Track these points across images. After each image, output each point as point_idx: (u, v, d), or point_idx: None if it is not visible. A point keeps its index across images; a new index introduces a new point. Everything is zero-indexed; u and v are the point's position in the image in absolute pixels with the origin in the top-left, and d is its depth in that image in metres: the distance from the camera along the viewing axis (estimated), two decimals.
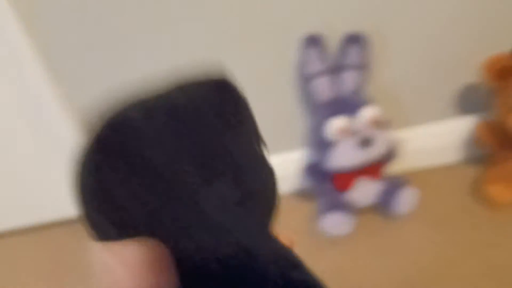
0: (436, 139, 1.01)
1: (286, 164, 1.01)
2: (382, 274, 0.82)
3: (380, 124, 0.85)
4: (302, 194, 1.05)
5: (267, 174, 0.27)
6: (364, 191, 0.93)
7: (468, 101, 0.98)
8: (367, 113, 0.84)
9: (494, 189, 0.89)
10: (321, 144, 0.87)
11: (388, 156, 0.93)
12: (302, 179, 0.95)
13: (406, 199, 0.91)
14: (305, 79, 0.85)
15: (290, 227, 0.97)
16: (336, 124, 0.83)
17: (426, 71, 0.94)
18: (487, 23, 0.88)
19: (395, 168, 1.01)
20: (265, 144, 0.28)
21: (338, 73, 0.85)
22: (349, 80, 0.86)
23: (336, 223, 0.90)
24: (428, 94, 0.97)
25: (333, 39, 0.84)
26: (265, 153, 0.28)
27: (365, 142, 0.83)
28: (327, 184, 0.93)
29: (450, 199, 0.95)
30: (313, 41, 0.82)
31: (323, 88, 0.85)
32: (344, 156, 0.84)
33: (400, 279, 0.81)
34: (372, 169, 0.91)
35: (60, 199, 1.12)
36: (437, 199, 0.96)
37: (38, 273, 1.05)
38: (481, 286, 0.76)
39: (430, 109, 0.99)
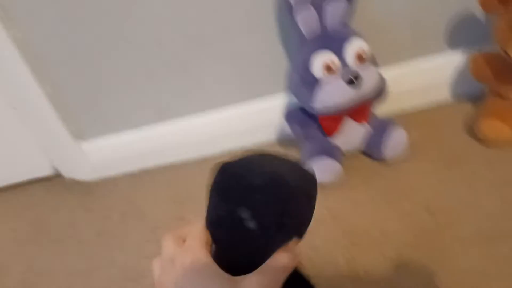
0: (428, 76, 0.94)
1: (270, 110, 0.94)
2: (391, 219, 0.77)
3: (367, 58, 0.77)
4: (287, 142, 0.99)
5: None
6: (352, 135, 0.86)
7: (463, 32, 0.90)
8: (353, 47, 0.75)
9: (488, 125, 0.83)
10: (306, 83, 0.79)
11: (377, 95, 0.86)
12: (284, 126, 0.87)
13: (398, 141, 0.85)
14: (289, 11, 0.76)
15: None
16: (321, 60, 0.75)
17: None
18: None
19: (384, 108, 0.94)
20: None
21: (323, 4, 0.76)
22: (334, 11, 0.77)
23: (323, 169, 0.84)
24: (420, 25, 0.89)
25: None
26: None
27: (353, 79, 0.75)
28: (313, 128, 0.86)
29: (451, 138, 0.89)
30: None
31: (308, 20, 0.76)
32: (331, 95, 0.77)
33: (411, 222, 0.75)
34: (360, 111, 0.84)
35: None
36: (436, 138, 0.90)
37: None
38: (502, 225, 0.71)
39: (421, 42, 0.91)
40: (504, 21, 0.76)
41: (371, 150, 0.87)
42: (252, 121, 0.97)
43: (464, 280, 0.65)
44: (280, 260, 0.34)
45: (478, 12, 0.87)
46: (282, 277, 0.34)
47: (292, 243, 0.36)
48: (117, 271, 0.82)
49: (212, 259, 0.34)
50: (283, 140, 0.99)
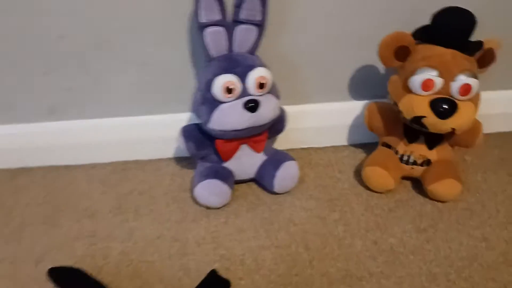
0: (329, 119, 0.98)
1: (169, 125, 0.92)
2: (266, 249, 0.77)
3: (268, 88, 0.79)
4: (183, 160, 0.97)
5: None
6: (247, 163, 0.87)
7: (367, 85, 0.95)
8: (256, 75, 0.77)
9: (371, 171, 0.86)
10: (206, 102, 0.78)
11: (275, 128, 0.88)
12: (179, 142, 0.86)
13: (289, 175, 0.86)
14: (199, 28, 0.76)
15: (168, 194, 0.89)
16: (223, 81, 0.75)
17: (330, 46, 0.89)
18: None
19: (283, 141, 0.96)
20: None
21: (234, 28, 0.77)
22: (245, 37, 0.78)
23: (212, 191, 0.83)
24: (327, 72, 0.93)
25: None
26: None
27: (251, 105, 0.76)
28: (208, 150, 0.86)
29: (338, 180, 0.92)
30: None
31: (216, 39, 0.76)
32: (227, 117, 0.77)
33: (286, 254, 0.75)
34: (257, 140, 0.84)
35: None
36: (324, 178, 0.92)
37: None
38: (369, 266, 0.73)
39: (327, 88, 0.95)
40: (399, 77, 0.82)
41: (263, 180, 0.88)
42: (149, 134, 0.94)
43: None
44: None
45: (381, 67, 0.93)
46: None
47: None
48: None
49: None
50: (179, 158, 0.97)
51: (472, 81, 0.76)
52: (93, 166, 0.96)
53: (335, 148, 1.00)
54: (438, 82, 0.76)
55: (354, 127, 0.99)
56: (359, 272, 0.72)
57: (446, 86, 0.76)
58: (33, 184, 0.92)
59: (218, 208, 0.85)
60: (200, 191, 0.83)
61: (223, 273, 0.72)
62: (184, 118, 0.93)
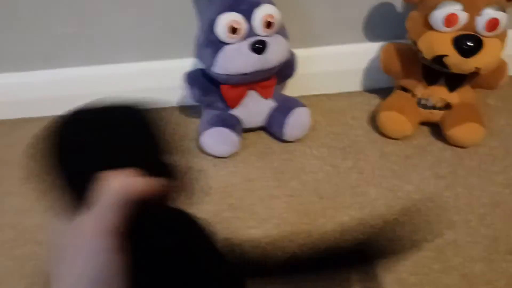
0: (342, 62, 0.92)
1: (175, 73, 0.87)
2: (278, 199, 0.73)
3: (276, 27, 0.73)
4: (188, 108, 0.93)
5: None
6: (255, 109, 0.82)
7: (383, 24, 0.88)
8: (262, 13, 0.71)
9: (387, 116, 0.81)
10: (210, 45, 0.73)
11: (284, 72, 0.82)
12: (184, 88, 0.81)
13: (300, 122, 0.82)
14: None
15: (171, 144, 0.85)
16: (227, 20, 0.70)
17: None
18: None
19: (293, 88, 0.91)
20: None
21: None
22: None
23: (220, 140, 0.79)
24: (341, 11, 0.86)
25: None
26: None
27: (259, 46, 0.70)
28: (214, 97, 0.81)
29: (352, 126, 0.87)
30: None
31: None
32: (233, 60, 0.72)
33: (297, 203, 0.72)
34: (265, 85, 0.79)
35: None
36: (337, 125, 0.87)
37: None
38: (384, 212, 0.70)
39: (340, 29, 0.89)
40: (420, 12, 0.75)
41: (272, 128, 0.83)
42: (151, 82, 0.90)
43: None
44: (107, 186, 0.28)
45: (399, 5, 0.86)
46: (112, 205, 0.28)
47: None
48: None
49: None
50: (183, 106, 0.93)
51: (500, 15, 0.69)
52: None
53: (348, 94, 0.94)
54: (463, 16, 0.69)
55: (369, 71, 0.93)
56: (374, 220, 0.69)
57: (471, 21, 0.70)
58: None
59: (226, 158, 0.81)
60: (207, 140, 0.79)
61: (232, 222, 0.69)
62: (188, 64, 0.88)
